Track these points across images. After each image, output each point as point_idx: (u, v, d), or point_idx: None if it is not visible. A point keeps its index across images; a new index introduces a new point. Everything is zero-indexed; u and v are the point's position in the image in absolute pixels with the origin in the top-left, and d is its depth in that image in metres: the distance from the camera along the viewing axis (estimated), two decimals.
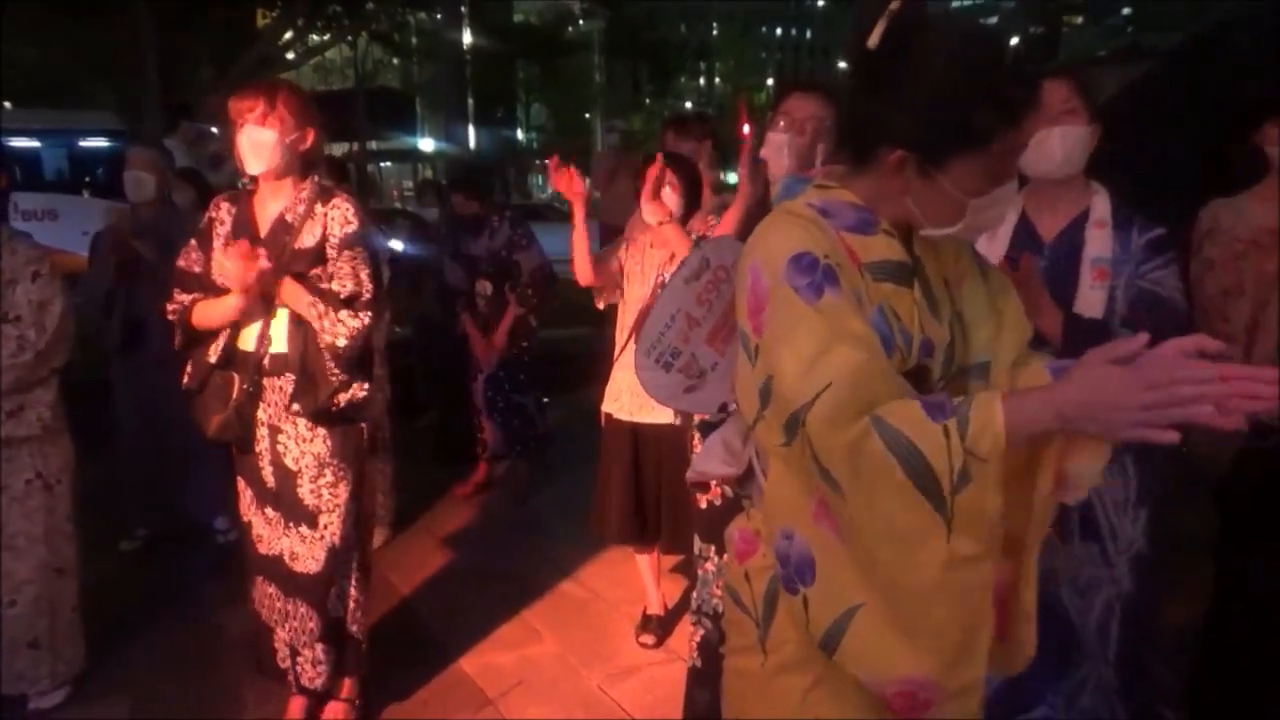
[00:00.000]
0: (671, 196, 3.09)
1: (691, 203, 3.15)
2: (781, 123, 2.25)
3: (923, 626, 1.20)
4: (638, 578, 3.53)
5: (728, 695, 1.52)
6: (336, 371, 2.51)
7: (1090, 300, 2.07)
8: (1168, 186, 2.91)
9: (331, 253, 2.51)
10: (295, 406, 2.53)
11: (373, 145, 21.26)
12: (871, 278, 1.30)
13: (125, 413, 4.11)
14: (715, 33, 40.06)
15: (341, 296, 2.49)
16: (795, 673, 1.36)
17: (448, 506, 4.82)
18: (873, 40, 1.26)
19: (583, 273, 3.26)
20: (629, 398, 3.25)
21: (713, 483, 2.40)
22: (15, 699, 2.89)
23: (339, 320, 2.47)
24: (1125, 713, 2.12)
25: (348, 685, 2.82)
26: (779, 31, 57.78)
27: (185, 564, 3.98)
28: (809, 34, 58.48)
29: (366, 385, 2.58)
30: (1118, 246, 2.09)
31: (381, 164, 27.30)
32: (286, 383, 2.54)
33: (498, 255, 4.73)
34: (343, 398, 2.54)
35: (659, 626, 3.41)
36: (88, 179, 13.29)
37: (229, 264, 2.39)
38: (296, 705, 2.75)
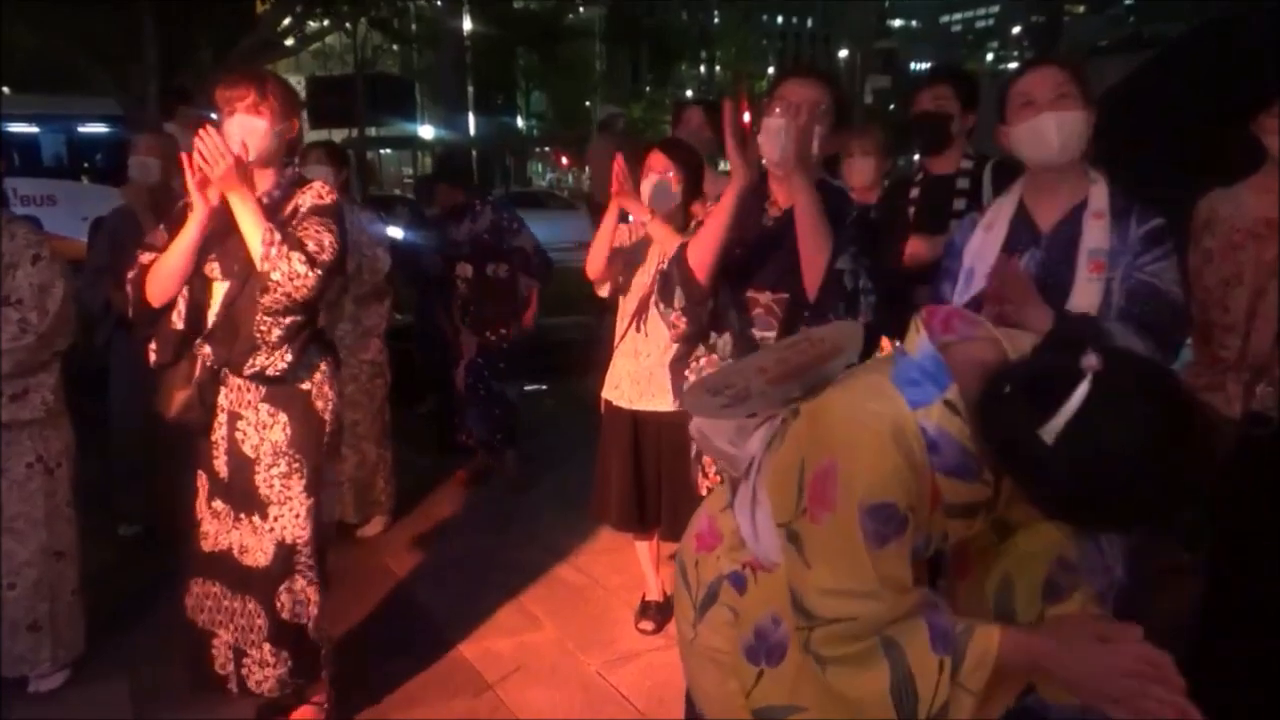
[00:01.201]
0: (670, 184, 3.09)
1: (693, 190, 3.14)
2: (777, 108, 2.22)
3: None
4: (636, 564, 3.55)
5: (681, 662, 1.71)
6: (263, 326, 2.39)
7: (1087, 292, 2.06)
8: (1168, 176, 2.90)
9: (296, 220, 2.45)
10: (206, 349, 2.45)
11: (372, 132, 21.20)
12: (944, 514, 1.32)
13: (123, 398, 4.10)
14: (716, 20, 39.90)
15: (305, 248, 2.39)
16: (715, 660, 1.54)
17: (447, 493, 4.83)
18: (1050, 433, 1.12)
19: (596, 265, 3.25)
20: (629, 385, 3.26)
21: (711, 470, 2.40)
22: (16, 681, 2.91)
23: (287, 256, 2.34)
24: None
25: (317, 689, 2.72)
26: (779, 19, 57.60)
27: (184, 549, 3.98)
28: (810, 22, 58.30)
29: (288, 358, 2.44)
30: (1115, 237, 2.08)
31: (382, 151, 27.23)
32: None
33: (479, 238, 4.71)
34: (259, 359, 2.42)
35: (658, 613, 3.42)
36: (86, 165, 13.26)
37: (207, 146, 2.27)
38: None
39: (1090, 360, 1.11)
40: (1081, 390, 1.10)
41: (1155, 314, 2.04)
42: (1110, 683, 1.17)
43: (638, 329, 3.24)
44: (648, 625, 3.39)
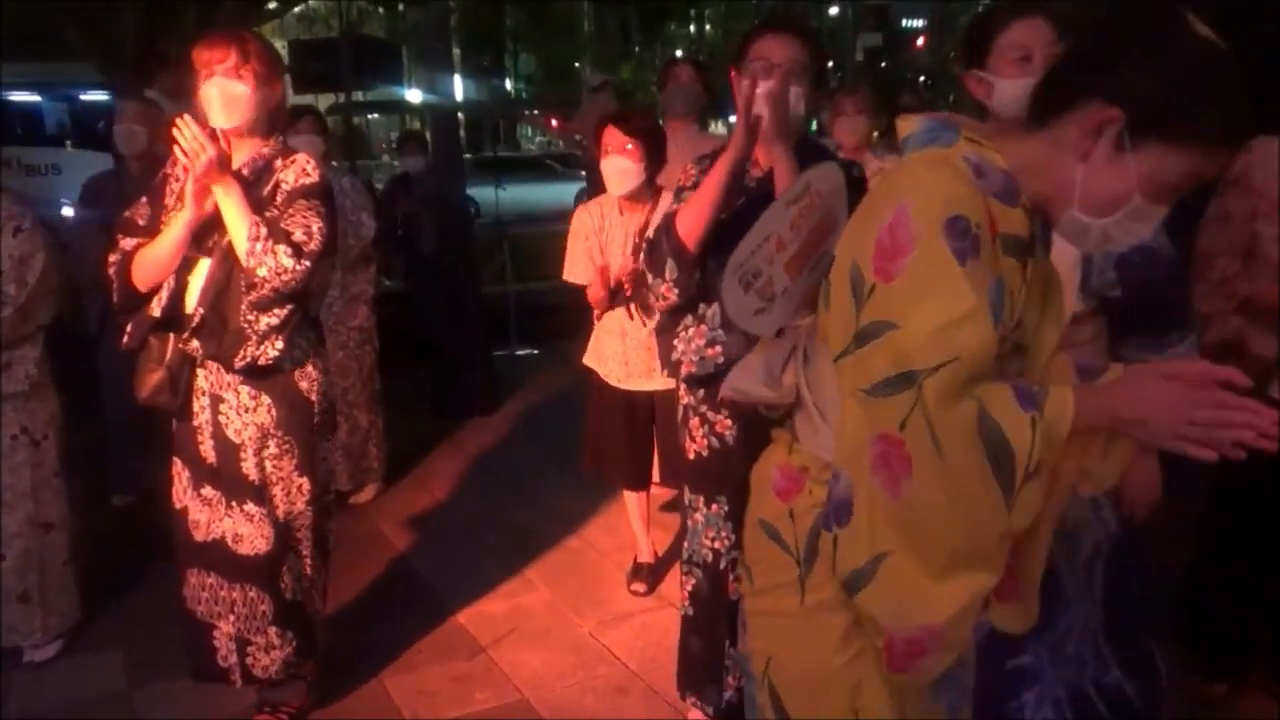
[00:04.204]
0: (630, 164, 3.00)
1: (654, 161, 3.06)
2: (757, 68, 2.14)
3: (953, 583, 1.27)
4: (629, 526, 3.56)
5: (755, 634, 1.53)
6: (250, 317, 2.32)
7: (1067, 253, 2.03)
8: None
9: (280, 199, 2.37)
10: (194, 344, 2.38)
11: (359, 96, 20.95)
12: (1002, 249, 1.28)
13: (115, 367, 4.07)
14: None
15: (292, 238, 2.32)
16: (836, 611, 1.39)
17: (440, 458, 4.84)
18: None
19: (598, 295, 3.16)
20: (617, 365, 3.23)
21: (699, 433, 2.39)
22: (10, 651, 2.91)
23: (273, 250, 2.26)
24: (1112, 652, 2.14)
25: (307, 667, 2.68)
26: None
27: (172, 522, 3.98)
28: None
29: (279, 346, 2.37)
30: None
31: (369, 116, 26.95)
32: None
33: None
34: (250, 350, 2.35)
35: (649, 574, 3.44)
36: (70, 132, 13.08)
37: (185, 139, 2.20)
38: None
39: None
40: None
41: (1151, 273, 1.98)
42: (1186, 415, 1.14)
43: (626, 311, 3.17)
44: (640, 586, 3.40)
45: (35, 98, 13.00)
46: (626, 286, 3.07)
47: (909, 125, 1.39)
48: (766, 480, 1.51)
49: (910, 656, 1.30)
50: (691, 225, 2.20)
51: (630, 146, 2.99)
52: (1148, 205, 1.24)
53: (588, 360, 3.33)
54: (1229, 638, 2.59)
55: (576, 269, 3.24)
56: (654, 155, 3.05)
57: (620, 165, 3.01)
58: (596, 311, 3.26)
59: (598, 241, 3.20)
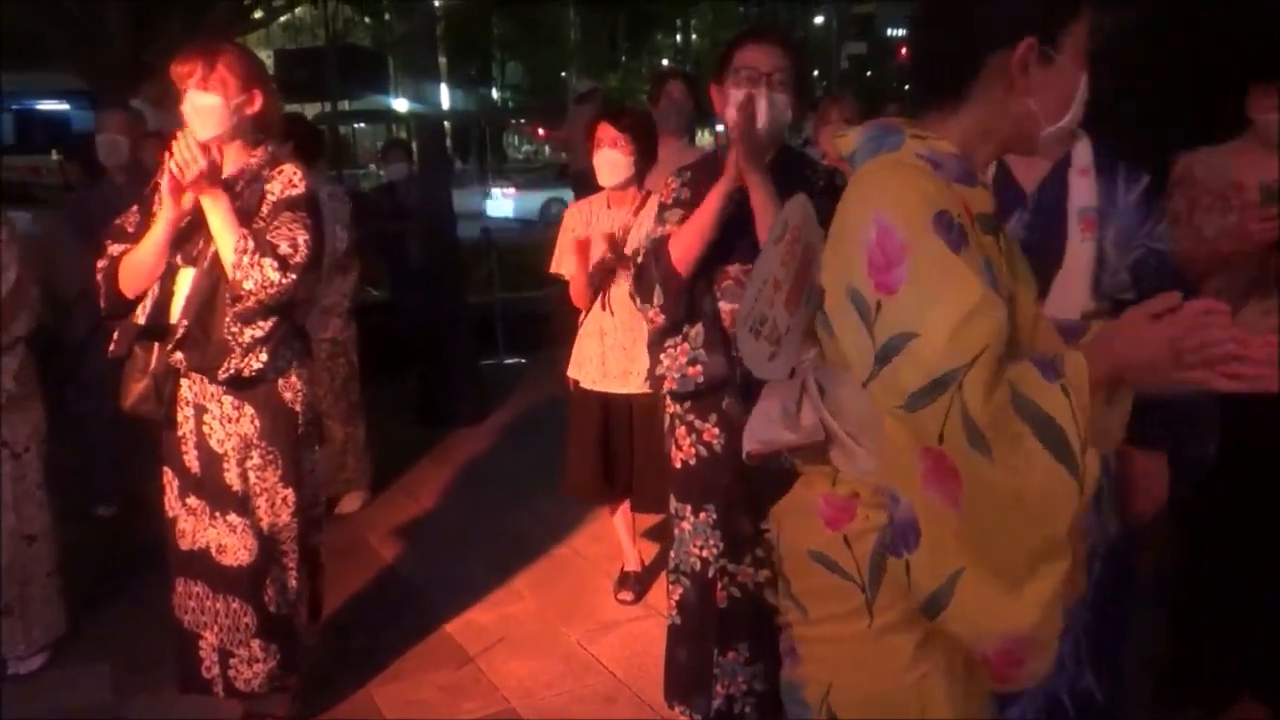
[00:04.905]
0: (621, 157, 3.04)
1: (645, 159, 3.10)
2: (745, 76, 2.15)
3: (1033, 584, 1.24)
4: (615, 534, 3.56)
5: (811, 662, 1.48)
6: (234, 329, 2.33)
7: (1081, 254, 2.01)
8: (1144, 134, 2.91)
9: (265, 210, 2.38)
10: (178, 355, 2.37)
11: (345, 105, 20.94)
12: (980, 229, 1.30)
13: (99, 378, 4.05)
14: None
15: (278, 251, 2.33)
16: (904, 630, 1.36)
17: (427, 467, 4.83)
18: None
19: (580, 290, 3.21)
20: (595, 367, 3.24)
21: (685, 442, 2.40)
22: None
23: (259, 264, 2.27)
24: (1087, 656, 2.14)
25: (291, 680, 2.65)
26: None
27: (161, 529, 3.96)
28: None
29: (263, 358, 2.38)
30: (1102, 196, 2.01)
31: (355, 125, 26.91)
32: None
33: None
34: (234, 363, 2.35)
35: (636, 583, 3.44)
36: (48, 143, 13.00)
37: (182, 152, 2.21)
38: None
39: None
40: None
41: (1165, 283, 1.98)
42: (1178, 345, 1.16)
43: (603, 307, 3.20)
44: (626, 595, 3.41)
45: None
46: (599, 276, 3.12)
47: (850, 140, 1.40)
48: (809, 512, 1.46)
49: (1009, 667, 1.28)
50: (685, 252, 2.22)
51: (621, 141, 3.06)
52: (1083, 74, 1.33)
53: (570, 371, 3.34)
54: (1217, 646, 2.60)
55: (564, 262, 3.30)
56: (644, 151, 3.11)
57: (611, 158, 3.07)
58: (581, 315, 3.28)
59: (584, 235, 3.25)
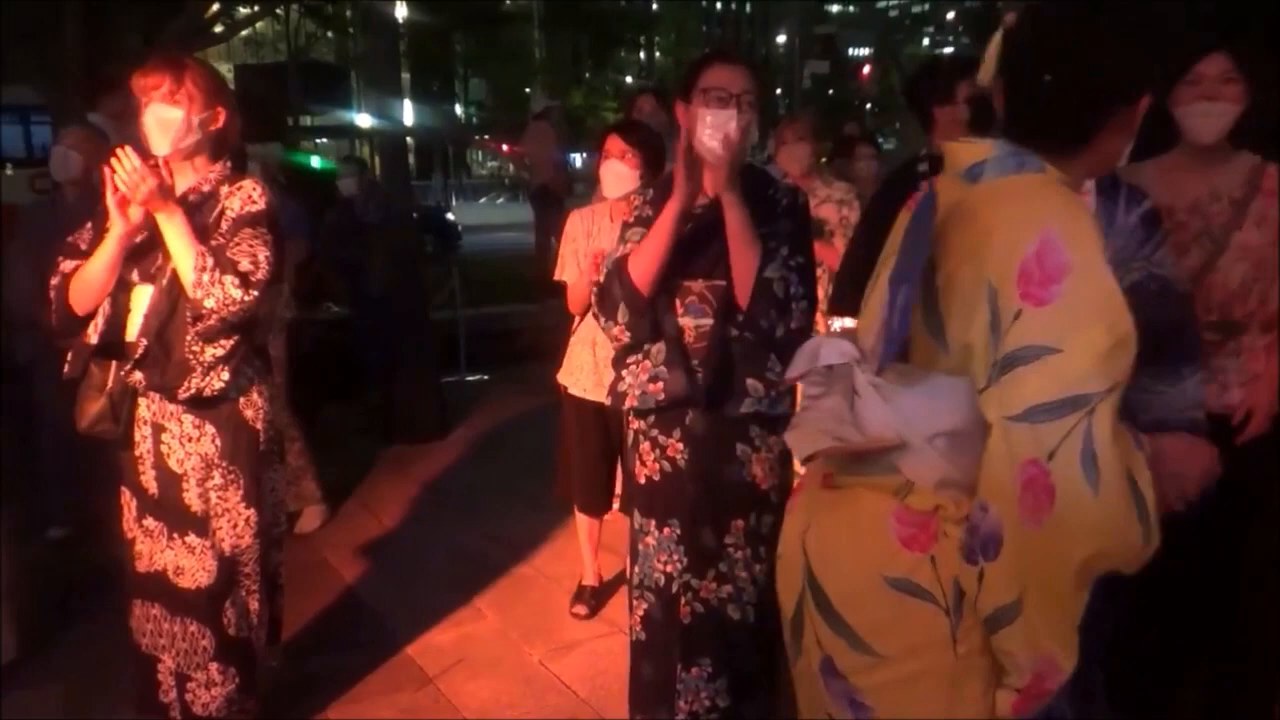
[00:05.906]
0: (627, 170, 3.06)
1: (650, 175, 3.11)
2: (715, 97, 2.16)
3: (1075, 609, 1.27)
4: (578, 551, 3.55)
5: (882, 707, 1.38)
6: (195, 347, 2.30)
7: None
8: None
9: (225, 226, 2.35)
10: (137, 375, 2.32)
11: (307, 121, 20.79)
12: None
13: (50, 398, 3.98)
14: (655, 6, 39.77)
15: (239, 268, 2.30)
16: (984, 655, 1.32)
17: (388, 484, 4.79)
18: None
19: (578, 298, 3.22)
20: (587, 376, 3.26)
21: (649, 458, 2.39)
22: None
23: (220, 281, 2.24)
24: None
25: (250, 703, 2.57)
26: (719, 4, 57.64)
27: (116, 551, 3.90)
28: (748, 7, 58.42)
29: (225, 377, 2.35)
30: (1104, 216, 1.99)
31: (317, 140, 26.74)
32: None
33: None
34: (194, 382, 2.32)
35: (592, 597, 3.44)
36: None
37: (124, 171, 2.16)
38: None
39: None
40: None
41: (1166, 309, 1.96)
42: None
43: (595, 317, 3.21)
44: (581, 610, 3.39)
45: None
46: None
47: (977, 151, 1.42)
48: (879, 534, 1.37)
49: (1035, 699, 1.29)
50: (643, 270, 2.23)
51: (630, 154, 3.07)
52: None
53: (560, 377, 3.35)
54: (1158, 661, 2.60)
55: (566, 269, 3.33)
56: (651, 166, 3.12)
57: (617, 170, 3.09)
58: (575, 322, 3.30)
59: (586, 245, 3.27)
